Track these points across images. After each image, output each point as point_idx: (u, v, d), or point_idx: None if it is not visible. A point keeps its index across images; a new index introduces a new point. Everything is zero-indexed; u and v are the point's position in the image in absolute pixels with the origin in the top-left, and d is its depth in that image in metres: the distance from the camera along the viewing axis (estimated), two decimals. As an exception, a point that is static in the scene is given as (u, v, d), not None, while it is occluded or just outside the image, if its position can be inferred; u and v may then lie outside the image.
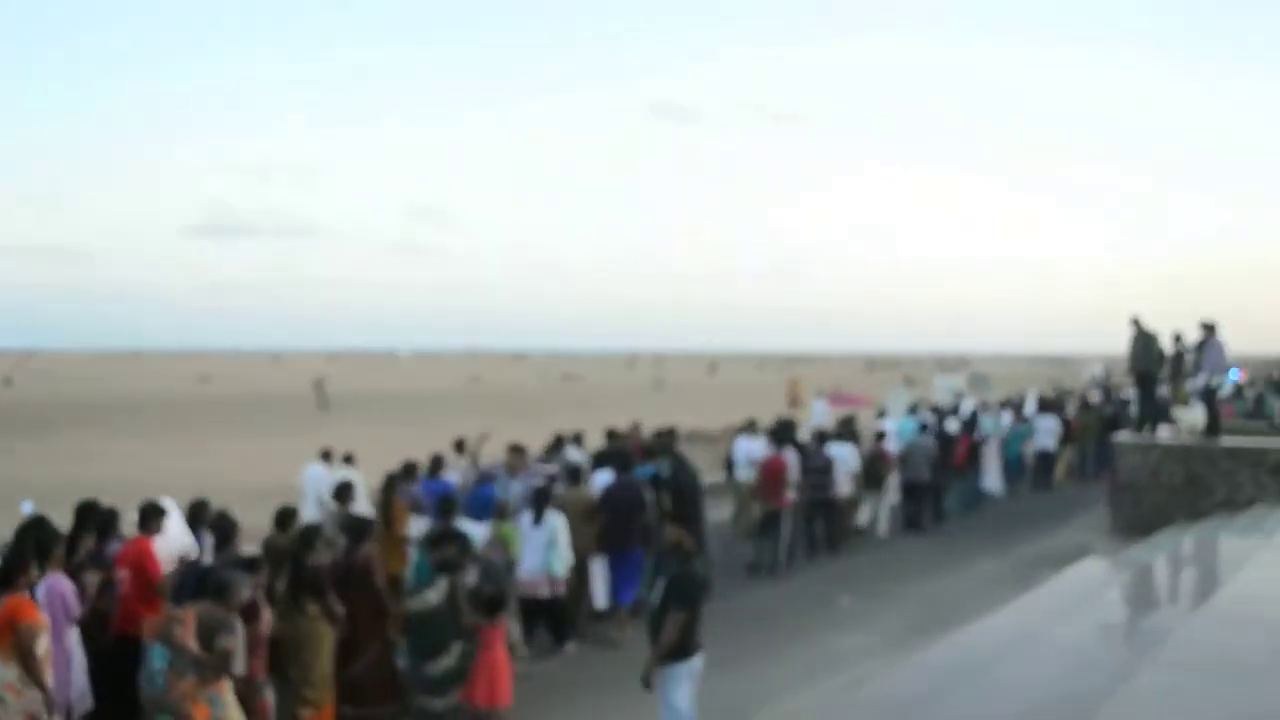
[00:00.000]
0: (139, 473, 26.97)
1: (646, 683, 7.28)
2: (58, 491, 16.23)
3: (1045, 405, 25.77)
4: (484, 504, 11.57)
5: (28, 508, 10.54)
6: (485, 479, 12.66)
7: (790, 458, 15.38)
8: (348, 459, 15.81)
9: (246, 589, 7.16)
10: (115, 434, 41.56)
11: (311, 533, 8.71)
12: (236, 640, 6.75)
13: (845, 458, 17.09)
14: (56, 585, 7.36)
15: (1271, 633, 6.97)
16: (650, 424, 18.21)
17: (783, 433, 16.00)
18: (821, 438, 17.51)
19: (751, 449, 16.68)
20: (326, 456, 16.05)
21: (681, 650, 7.25)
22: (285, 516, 9.93)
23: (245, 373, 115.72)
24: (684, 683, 7.27)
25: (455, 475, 14.33)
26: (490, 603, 8.57)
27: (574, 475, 12.74)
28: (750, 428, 17.76)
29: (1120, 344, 18.49)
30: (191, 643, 6.49)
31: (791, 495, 15.36)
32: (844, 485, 16.92)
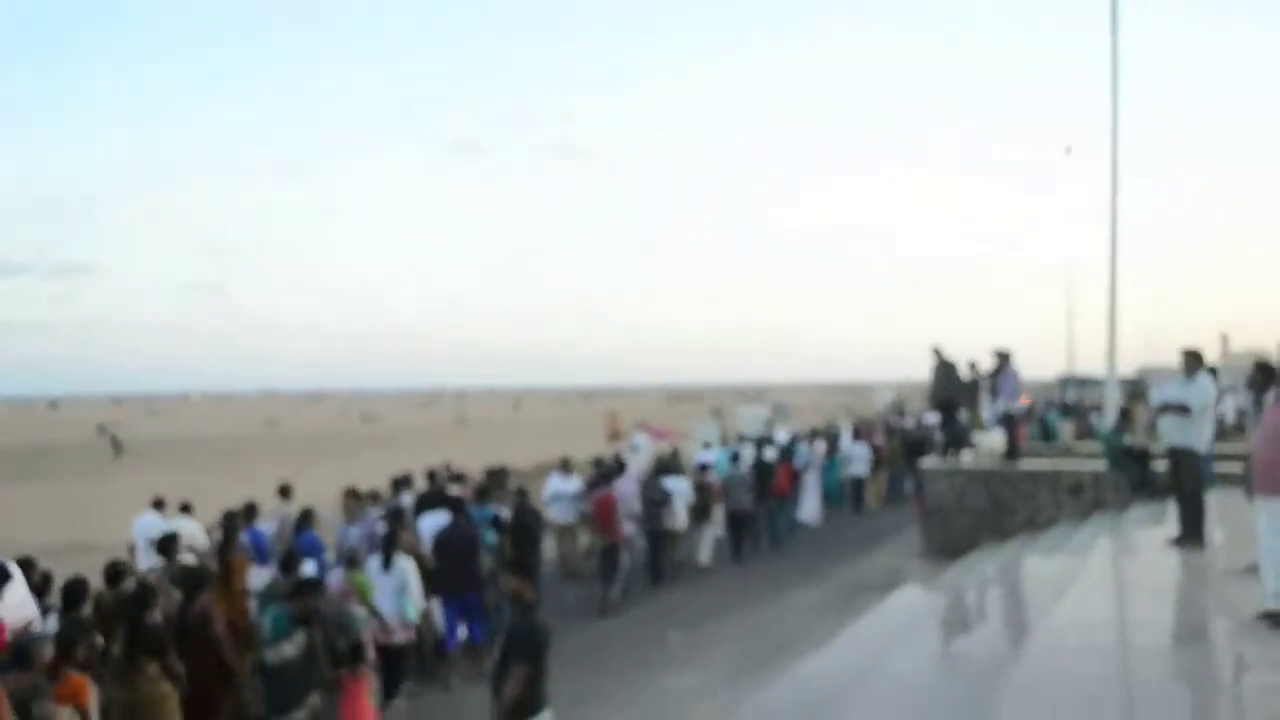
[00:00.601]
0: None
1: None
2: None
3: (856, 433, 26.74)
4: (310, 550, 11.13)
5: None
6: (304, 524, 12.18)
7: (627, 490, 15.35)
8: (185, 508, 14.70)
9: (49, 648, 6.60)
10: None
11: (147, 588, 8.11)
12: (53, 707, 6.21)
13: (682, 490, 17.23)
14: None
15: (1104, 659, 7.16)
16: (461, 463, 17.91)
17: (612, 470, 16.03)
18: (657, 470, 17.59)
19: (561, 487, 16.60)
20: (159, 505, 15.09)
21: (527, 708, 6.91)
22: (115, 572, 9.26)
23: (20, 420, 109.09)
24: (528, 744, 6.95)
25: (272, 522, 13.77)
26: (352, 652, 8.18)
27: (396, 518, 12.20)
28: (564, 466, 17.65)
29: (906, 371, 19.18)
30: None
31: (629, 528, 15.34)
32: (680, 517, 17.05)
